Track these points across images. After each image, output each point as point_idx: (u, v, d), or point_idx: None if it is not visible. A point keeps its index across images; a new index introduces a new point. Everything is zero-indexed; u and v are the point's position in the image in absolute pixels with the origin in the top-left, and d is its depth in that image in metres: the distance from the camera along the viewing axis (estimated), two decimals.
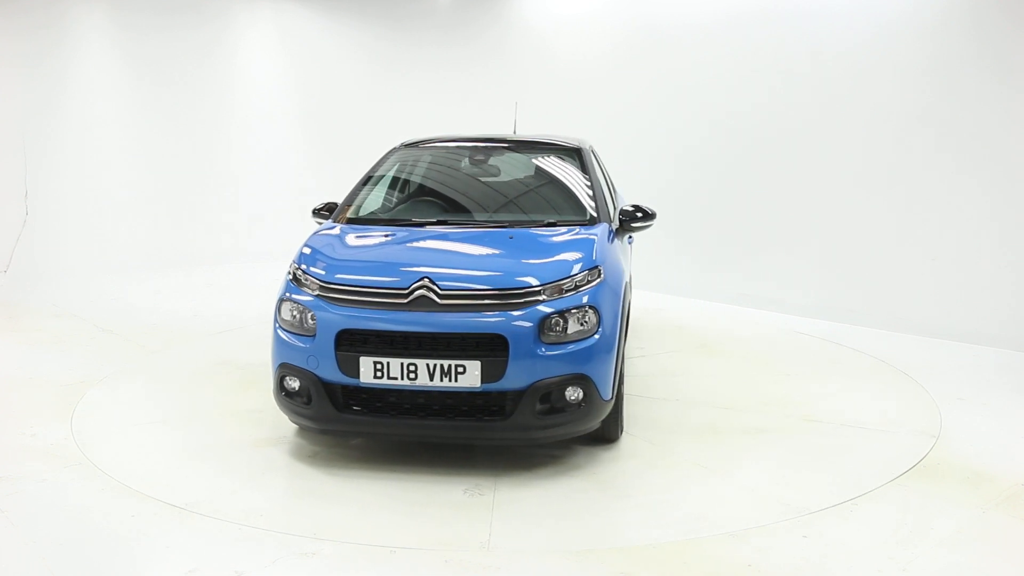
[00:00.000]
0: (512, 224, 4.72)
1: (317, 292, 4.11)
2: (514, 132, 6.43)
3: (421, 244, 4.52)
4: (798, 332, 7.06)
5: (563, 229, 4.61)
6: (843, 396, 5.36)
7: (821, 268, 7.61)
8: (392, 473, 4.11)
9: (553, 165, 5.39)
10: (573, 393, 3.96)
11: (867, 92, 7.20)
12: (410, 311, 3.93)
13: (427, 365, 3.86)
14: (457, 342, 3.88)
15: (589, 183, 5.08)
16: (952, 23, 6.75)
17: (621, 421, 4.52)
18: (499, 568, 3.24)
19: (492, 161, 5.49)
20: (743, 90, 7.99)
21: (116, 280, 8.77)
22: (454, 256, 4.38)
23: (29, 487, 3.92)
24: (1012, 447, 4.57)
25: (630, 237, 5.84)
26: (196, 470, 4.15)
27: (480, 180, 5.40)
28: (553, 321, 3.94)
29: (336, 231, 4.75)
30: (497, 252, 4.33)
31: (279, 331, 4.21)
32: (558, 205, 5.03)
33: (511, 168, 5.48)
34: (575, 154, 5.39)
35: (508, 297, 3.94)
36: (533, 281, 4.00)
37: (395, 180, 5.43)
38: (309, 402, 4.07)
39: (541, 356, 3.88)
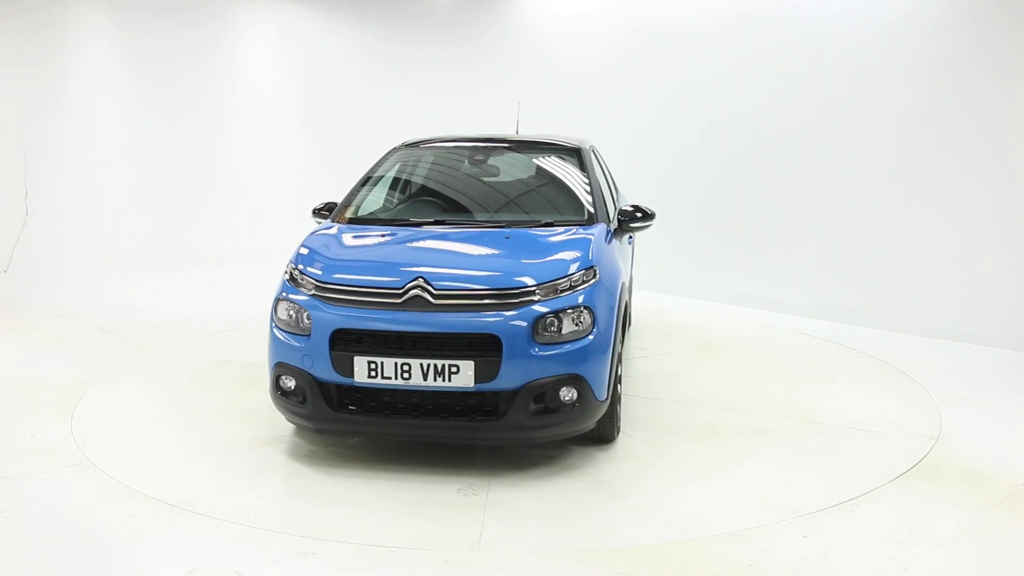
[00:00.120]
0: (510, 224, 4.72)
1: (312, 292, 4.12)
2: (516, 132, 6.43)
3: (417, 244, 4.53)
4: (798, 332, 7.06)
5: (560, 229, 4.61)
6: (843, 396, 5.36)
7: (821, 268, 7.61)
8: (387, 472, 4.12)
9: (552, 165, 5.39)
10: (567, 393, 3.96)
11: (867, 92, 7.20)
12: (404, 311, 3.94)
13: (421, 365, 3.86)
14: (451, 342, 3.88)
15: (588, 183, 5.07)
16: (952, 23, 6.75)
17: (617, 422, 4.51)
18: (499, 568, 3.24)
19: (491, 161, 5.49)
20: (743, 90, 7.99)
21: (116, 280, 8.78)
22: (449, 256, 4.39)
23: (29, 487, 3.92)
24: (1012, 447, 4.57)
25: (630, 237, 5.85)
26: (195, 470, 4.15)
27: (479, 180, 5.40)
28: (547, 321, 3.94)
29: (333, 231, 4.76)
30: (493, 252, 4.33)
31: (275, 330, 4.23)
32: (556, 205, 5.03)
33: (510, 168, 5.48)
34: (574, 154, 5.39)
35: (502, 297, 3.95)
36: (527, 281, 4.00)
37: (394, 180, 5.43)
38: (304, 401, 4.08)
39: (535, 356, 3.88)
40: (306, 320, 4.06)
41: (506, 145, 5.59)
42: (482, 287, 3.98)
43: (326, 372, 3.99)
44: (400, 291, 3.98)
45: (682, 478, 4.10)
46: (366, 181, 5.32)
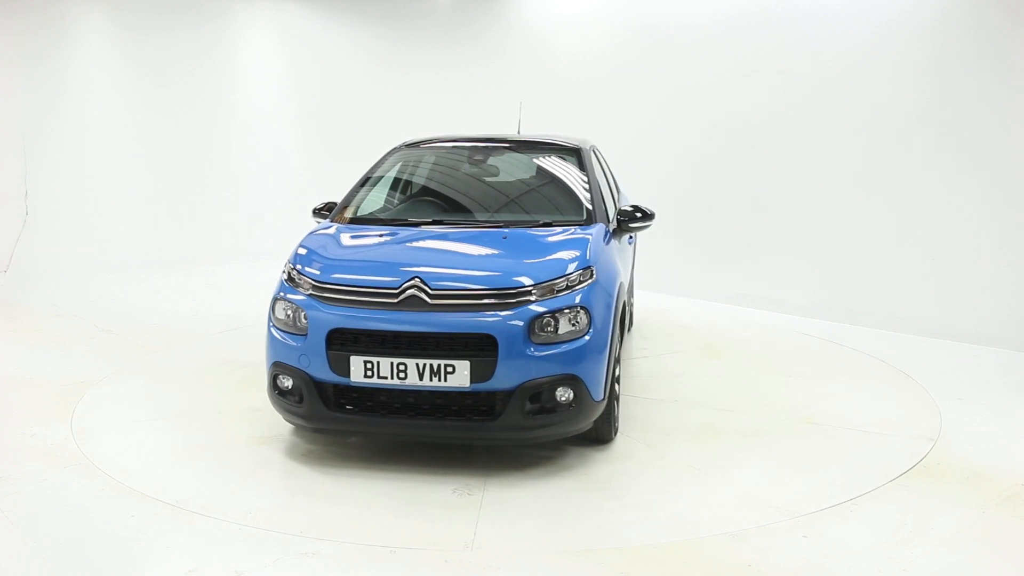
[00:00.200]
0: (508, 224, 4.72)
1: (310, 291, 4.13)
2: (518, 132, 6.42)
3: (414, 244, 4.53)
4: (798, 332, 7.06)
5: (558, 229, 4.61)
6: (843, 396, 5.36)
7: (821, 268, 7.61)
8: (384, 472, 4.12)
9: (551, 165, 5.39)
10: (563, 394, 3.96)
11: (867, 92, 7.20)
12: (400, 311, 3.94)
13: (417, 365, 3.86)
14: (446, 342, 3.89)
15: (587, 183, 5.07)
16: (952, 23, 6.75)
17: (615, 422, 4.51)
18: (499, 568, 3.24)
19: (491, 161, 5.49)
20: (743, 90, 7.99)
21: (116, 280, 8.77)
22: (446, 256, 4.39)
23: (29, 487, 3.93)
24: (1012, 447, 4.57)
25: (630, 237, 5.84)
26: (195, 469, 4.15)
27: (478, 180, 5.40)
28: (544, 321, 3.94)
29: (332, 231, 4.77)
30: (490, 252, 4.34)
31: (272, 330, 4.24)
32: (555, 205, 5.03)
33: (509, 168, 5.48)
34: (574, 154, 5.38)
35: (498, 297, 3.95)
36: (524, 281, 4.00)
37: (393, 180, 5.44)
38: (301, 401, 4.09)
39: (531, 356, 3.88)
40: (303, 320, 4.07)
41: (505, 145, 5.59)
42: (478, 287, 3.98)
43: (323, 372, 3.99)
44: (396, 291, 3.98)
45: (679, 479, 4.10)
46: (365, 181, 5.33)
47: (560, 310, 3.98)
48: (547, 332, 3.94)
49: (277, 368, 4.18)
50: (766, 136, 7.88)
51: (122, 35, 9.46)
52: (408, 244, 4.53)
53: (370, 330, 3.94)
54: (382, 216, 5.06)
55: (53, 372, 5.68)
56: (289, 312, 4.15)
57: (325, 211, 5.22)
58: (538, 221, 4.75)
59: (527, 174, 5.44)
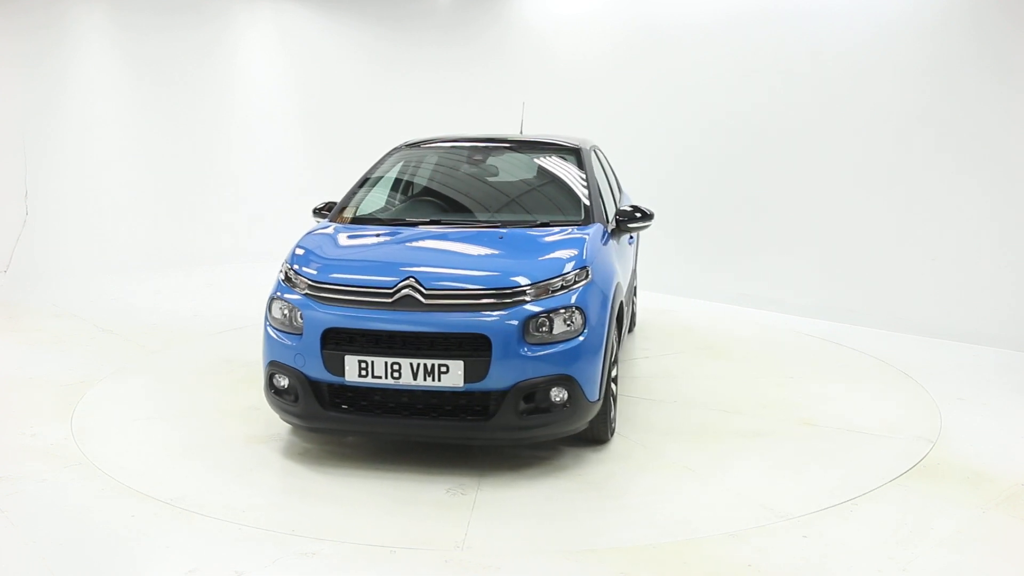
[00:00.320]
0: (506, 224, 4.71)
1: (306, 291, 4.14)
2: (521, 132, 6.42)
3: (411, 244, 4.53)
4: (798, 332, 7.06)
5: (555, 229, 4.61)
6: (843, 397, 5.36)
7: (821, 268, 7.61)
8: (379, 471, 4.13)
9: (550, 165, 5.39)
10: (557, 394, 3.95)
11: (867, 92, 7.20)
12: (395, 311, 3.95)
13: (411, 364, 3.87)
14: (440, 341, 3.89)
15: (585, 183, 5.06)
16: (952, 23, 6.75)
17: (611, 422, 4.50)
18: (499, 568, 3.24)
19: (490, 161, 5.49)
20: (743, 90, 7.99)
21: (116, 280, 8.77)
22: (442, 256, 4.39)
23: (29, 487, 3.93)
24: (1012, 447, 4.57)
25: (630, 237, 5.84)
26: (194, 469, 4.15)
27: (476, 180, 5.40)
28: (538, 321, 3.94)
29: (329, 231, 4.78)
30: (486, 252, 4.34)
31: (269, 329, 4.25)
32: (553, 205, 5.03)
33: (508, 168, 5.48)
34: (573, 154, 5.38)
35: (493, 297, 3.95)
36: (518, 281, 4.00)
37: (392, 180, 5.44)
38: (296, 400, 4.10)
39: (524, 356, 3.88)
40: (299, 319, 4.08)
41: (505, 145, 5.59)
42: (473, 287, 3.98)
43: (318, 371, 4.00)
44: (391, 291, 3.99)
45: (675, 479, 4.09)
46: (364, 181, 5.33)
47: (555, 310, 3.97)
48: (542, 332, 3.94)
49: (273, 367, 4.19)
50: (766, 136, 7.88)
51: (122, 35, 9.45)
52: (405, 244, 4.54)
53: (364, 330, 3.95)
54: (380, 216, 5.06)
55: (53, 372, 5.68)
56: (285, 312, 4.17)
57: (325, 211, 5.23)
58: (536, 221, 4.75)
59: (526, 174, 5.44)
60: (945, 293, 6.87)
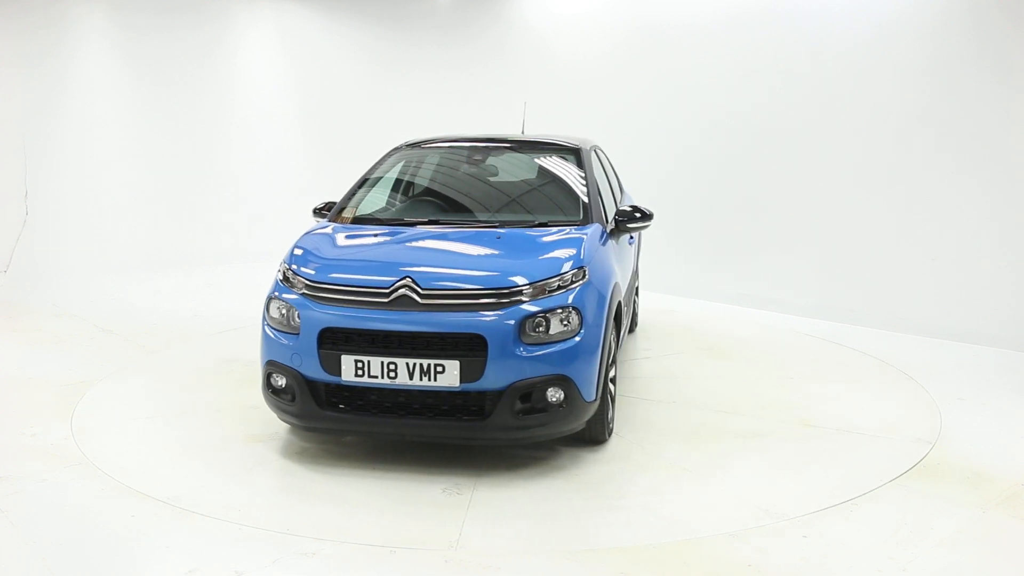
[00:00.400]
0: (504, 224, 4.71)
1: (303, 291, 4.15)
2: (523, 132, 6.42)
3: (409, 244, 4.53)
4: (798, 332, 7.06)
5: (553, 229, 4.60)
6: (843, 397, 5.36)
7: (821, 268, 7.61)
8: (376, 470, 4.14)
9: (549, 165, 5.39)
10: (554, 394, 3.95)
11: (867, 92, 7.20)
12: (391, 310, 3.95)
13: (407, 364, 3.87)
14: (436, 341, 3.89)
15: (584, 183, 5.06)
16: (952, 23, 6.75)
17: (609, 423, 4.50)
18: (499, 568, 3.24)
19: (490, 161, 5.49)
20: (743, 90, 7.99)
21: (116, 280, 8.77)
22: (439, 255, 4.40)
23: (29, 487, 3.93)
24: (1012, 447, 4.57)
25: (631, 238, 5.83)
26: (194, 469, 4.15)
27: (475, 180, 5.40)
28: (535, 321, 3.93)
29: (327, 231, 4.78)
30: (483, 252, 4.34)
31: (267, 329, 4.26)
32: (551, 205, 5.03)
33: (507, 168, 5.48)
34: (573, 154, 5.37)
35: (489, 297, 3.95)
36: (514, 281, 4.00)
37: (391, 180, 5.44)
38: (294, 399, 4.11)
39: (520, 356, 3.88)
40: (296, 319, 4.09)
41: (505, 145, 5.58)
42: (469, 287, 3.98)
43: (314, 371, 4.01)
44: (387, 290, 3.99)
45: (672, 480, 4.08)
46: (364, 181, 5.33)
47: (551, 310, 3.97)
48: (538, 332, 3.94)
49: (271, 367, 4.20)
50: (766, 136, 7.88)
51: (122, 35, 9.46)
52: (402, 244, 4.54)
53: (361, 329, 3.95)
54: (379, 216, 5.06)
55: (53, 372, 5.68)
56: (283, 311, 4.18)
57: (325, 211, 5.24)
58: (534, 221, 4.74)
59: (525, 174, 5.44)
60: (945, 293, 6.87)
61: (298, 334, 4.06)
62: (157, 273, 9.19)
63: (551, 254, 4.26)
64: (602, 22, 9.12)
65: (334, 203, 5.26)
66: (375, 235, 4.66)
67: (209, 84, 10.07)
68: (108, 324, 7.01)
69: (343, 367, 3.94)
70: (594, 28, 9.20)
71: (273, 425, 4.64)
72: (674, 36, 8.48)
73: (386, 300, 3.98)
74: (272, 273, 4.55)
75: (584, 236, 4.48)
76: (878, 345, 6.61)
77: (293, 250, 4.50)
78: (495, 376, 3.86)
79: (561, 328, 3.98)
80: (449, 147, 5.63)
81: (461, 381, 3.86)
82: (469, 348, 3.87)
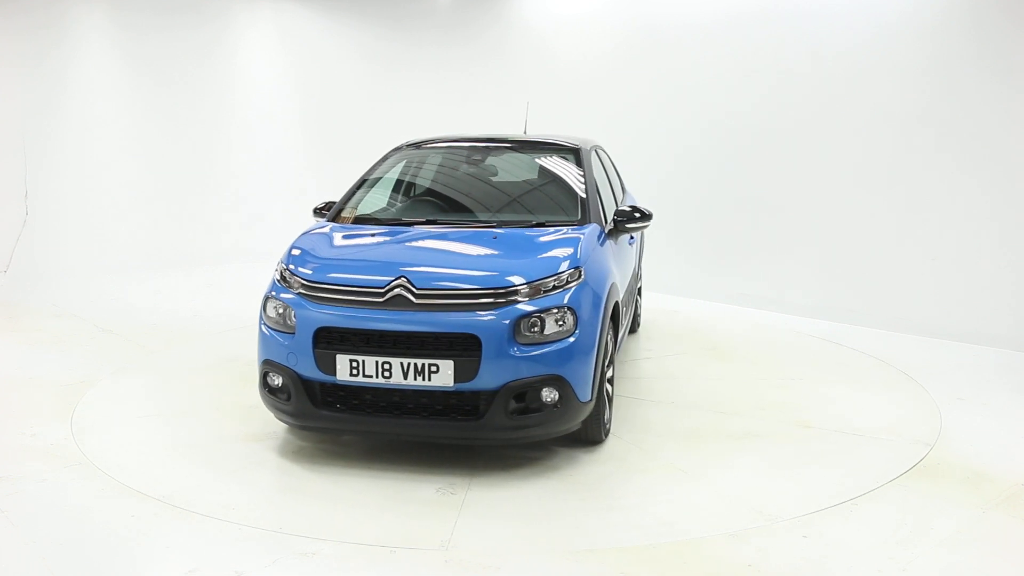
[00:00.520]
0: (502, 224, 4.71)
1: (299, 290, 4.16)
2: (525, 132, 6.42)
3: (405, 244, 4.54)
4: (798, 332, 7.06)
5: (550, 229, 4.60)
6: (843, 397, 5.36)
7: (821, 268, 7.61)
8: (371, 469, 4.14)
9: (548, 165, 5.38)
10: (548, 394, 3.95)
11: (867, 92, 7.20)
12: (386, 310, 3.95)
13: (401, 364, 3.87)
14: (430, 341, 3.89)
15: (583, 184, 5.05)
16: (952, 23, 6.75)
17: (606, 423, 4.49)
18: (499, 568, 3.24)
19: (489, 161, 5.49)
20: (743, 90, 7.99)
21: (116, 280, 8.77)
22: (435, 255, 4.40)
23: (29, 487, 3.93)
24: (1012, 447, 4.57)
25: (631, 238, 5.83)
26: (194, 469, 4.15)
27: (474, 180, 5.40)
28: (529, 321, 3.93)
29: (325, 231, 4.79)
30: (479, 252, 4.34)
31: (264, 328, 4.28)
32: (549, 205, 5.03)
33: (507, 168, 5.48)
34: (572, 154, 5.37)
35: (483, 296, 3.95)
36: (509, 281, 4.00)
37: (391, 180, 5.45)
38: (289, 398, 4.12)
39: (515, 356, 3.87)
40: (292, 318, 4.10)
41: (504, 145, 5.58)
42: (464, 286, 3.99)
43: (310, 370, 4.02)
44: (382, 290, 4.00)
45: (671, 481, 4.07)
46: (363, 181, 5.33)
47: (547, 310, 3.97)
48: (533, 332, 3.94)
49: (267, 366, 4.21)
50: (766, 136, 7.88)
51: (122, 35, 9.45)
52: (398, 244, 4.54)
53: (355, 329, 3.96)
54: (378, 216, 5.06)
55: (53, 372, 5.68)
56: (279, 310, 4.19)
57: (325, 210, 5.25)
58: (531, 221, 4.74)
59: (524, 174, 5.43)
60: (945, 293, 6.87)
61: (294, 333, 4.07)
62: (157, 273, 9.19)
63: (547, 254, 4.25)
64: (602, 22, 9.12)
65: (334, 203, 5.26)
66: (372, 235, 4.67)
67: (209, 84, 10.07)
68: (108, 324, 7.01)
69: (338, 366, 3.94)
70: (594, 28, 9.20)
71: (273, 424, 4.64)
72: (674, 36, 8.48)
73: (381, 300, 3.99)
74: (271, 273, 4.55)
75: (581, 236, 4.47)
76: (878, 345, 6.61)
77: (290, 250, 4.51)
78: (489, 376, 3.86)
79: (556, 328, 3.98)
80: (449, 147, 5.63)
81: (455, 381, 3.86)
82: (463, 348, 3.87)
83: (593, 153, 5.59)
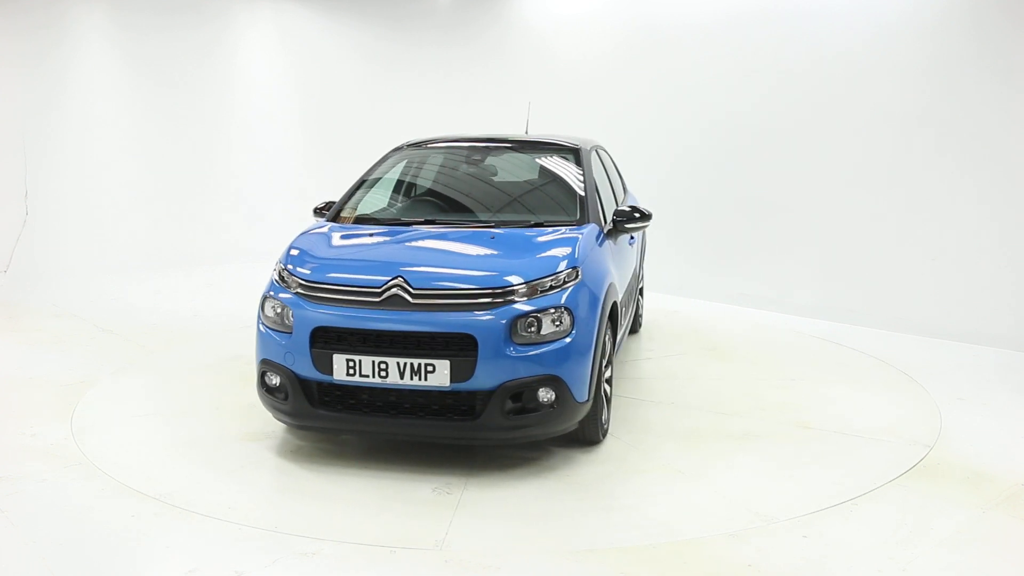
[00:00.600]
0: (500, 224, 4.71)
1: (297, 290, 4.16)
2: (526, 132, 6.42)
3: (403, 244, 4.54)
4: (799, 332, 7.06)
5: (549, 229, 4.59)
6: (844, 397, 5.36)
7: (821, 268, 7.61)
8: (369, 469, 4.14)
9: (548, 165, 5.38)
10: (545, 394, 3.95)
11: (867, 92, 7.20)
12: (382, 310, 3.96)
13: (398, 364, 3.88)
14: (427, 341, 3.90)
15: (582, 184, 5.05)
16: (952, 23, 6.75)
17: (604, 423, 4.48)
18: (499, 568, 3.24)
19: (489, 161, 5.49)
20: (743, 90, 7.99)
21: (116, 280, 8.77)
22: (432, 255, 4.40)
23: (29, 487, 3.93)
24: (1012, 447, 4.57)
25: (631, 238, 5.83)
26: (194, 469, 4.15)
27: (473, 180, 5.39)
28: (526, 321, 3.93)
29: (324, 231, 4.80)
30: (476, 252, 4.34)
31: (261, 327, 4.28)
32: (548, 205, 5.03)
33: (506, 168, 5.48)
34: (572, 154, 5.36)
35: (479, 296, 3.95)
36: (506, 281, 4.00)
37: (391, 180, 5.45)
38: (287, 398, 4.12)
39: (511, 356, 3.87)
40: (290, 318, 4.10)
41: (504, 145, 5.58)
42: (460, 286, 3.99)
43: (307, 369, 4.02)
44: (379, 290, 4.00)
45: (670, 481, 4.07)
46: (363, 181, 5.34)
47: (543, 310, 3.96)
48: (529, 332, 3.94)
49: (265, 365, 4.22)
50: (766, 136, 7.88)
51: (122, 35, 9.45)
52: (397, 244, 4.54)
53: (352, 329, 3.96)
54: (376, 216, 5.06)
55: (53, 372, 5.68)
56: (277, 310, 4.19)
57: (325, 210, 5.25)
58: (530, 221, 4.74)
59: (524, 174, 5.43)
60: (945, 293, 6.87)
61: (291, 333, 4.07)
62: (157, 273, 9.19)
63: (544, 254, 4.25)
64: (602, 22, 9.12)
65: (334, 203, 5.26)
66: (371, 235, 4.67)
67: (209, 84, 10.07)
68: (108, 324, 7.01)
69: (335, 366, 3.95)
70: (594, 28, 9.20)
71: (272, 424, 4.64)
72: (674, 36, 8.48)
73: (377, 300, 3.99)
74: (270, 273, 4.55)
75: (579, 236, 4.47)
76: (878, 345, 6.61)
77: (289, 250, 4.52)
78: (485, 376, 3.86)
79: (553, 328, 3.98)
80: (449, 147, 5.63)
81: (451, 381, 3.86)
82: (459, 348, 3.87)
83: (593, 153, 5.58)
